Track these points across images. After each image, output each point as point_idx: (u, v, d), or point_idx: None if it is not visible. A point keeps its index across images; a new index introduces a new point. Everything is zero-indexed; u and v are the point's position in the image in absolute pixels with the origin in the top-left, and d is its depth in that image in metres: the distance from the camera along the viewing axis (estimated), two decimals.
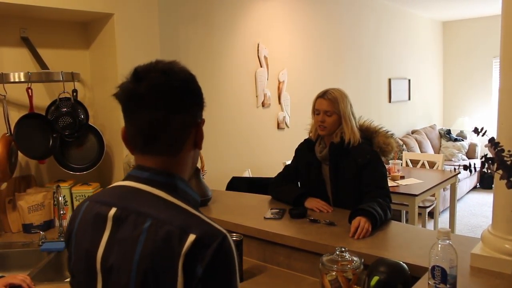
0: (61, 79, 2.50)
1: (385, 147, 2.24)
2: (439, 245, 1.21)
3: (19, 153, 2.50)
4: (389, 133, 2.32)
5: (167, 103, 0.99)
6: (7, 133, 2.40)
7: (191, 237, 0.88)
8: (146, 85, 1.00)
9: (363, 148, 2.22)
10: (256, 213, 2.22)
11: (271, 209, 2.26)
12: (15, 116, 2.47)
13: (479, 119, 7.91)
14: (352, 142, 2.20)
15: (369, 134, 2.30)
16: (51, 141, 2.55)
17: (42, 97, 2.66)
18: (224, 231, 0.95)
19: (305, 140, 2.46)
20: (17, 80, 2.38)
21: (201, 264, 0.88)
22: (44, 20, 2.67)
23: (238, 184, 3.12)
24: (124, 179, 1.04)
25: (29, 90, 2.46)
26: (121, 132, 1.06)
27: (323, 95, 2.26)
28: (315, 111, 2.29)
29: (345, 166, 2.23)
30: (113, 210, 0.97)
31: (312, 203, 2.24)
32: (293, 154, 2.53)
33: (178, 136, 1.01)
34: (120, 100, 1.04)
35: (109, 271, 0.95)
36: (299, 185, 2.46)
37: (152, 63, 1.07)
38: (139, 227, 0.92)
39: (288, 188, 2.37)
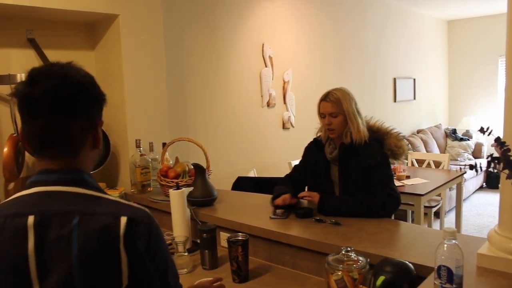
0: None
1: (396, 149, 2.24)
2: (445, 245, 1.21)
3: (26, 153, 2.52)
4: (401, 135, 2.31)
5: (63, 109, 1.00)
6: (14, 134, 2.42)
7: (123, 219, 0.97)
8: (41, 90, 0.99)
9: (374, 149, 2.22)
10: (261, 212, 2.22)
11: (276, 208, 2.26)
12: None
13: (485, 118, 7.88)
14: (357, 141, 2.20)
15: (380, 135, 2.30)
16: None
17: None
18: (143, 207, 1.05)
19: (314, 139, 2.46)
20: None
21: (140, 239, 0.98)
22: (50, 21, 2.69)
23: (243, 184, 3.12)
24: (28, 187, 1.02)
25: None
26: (19, 133, 1.07)
27: (325, 97, 2.25)
28: (321, 115, 2.29)
29: (355, 167, 2.22)
30: (31, 218, 0.96)
31: (277, 201, 2.23)
32: (298, 154, 2.53)
33: (75, 141, 1.04)
34: (16, 101, 1.03)
35: (47, 276, 0.95)
36: (302, 184, 2.44)
37: (48, 66, 1.05)
38: (68, 225, 0.95)
39: (278, 188, 2.35)
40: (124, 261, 0.97)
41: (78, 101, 1.03)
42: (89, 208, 0.98)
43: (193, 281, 1.63)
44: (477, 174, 6.79)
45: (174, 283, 1.09)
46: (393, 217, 2.23)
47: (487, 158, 1.25)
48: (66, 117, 1.01)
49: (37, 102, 0.99)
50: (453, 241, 1.20)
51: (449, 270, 1.19)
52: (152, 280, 1.01)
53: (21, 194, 1.02)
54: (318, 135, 2.42)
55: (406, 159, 5.09)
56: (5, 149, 2.35)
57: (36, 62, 2.62)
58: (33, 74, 1.02)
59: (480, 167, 1.27)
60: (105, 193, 1.06)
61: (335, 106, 2.21)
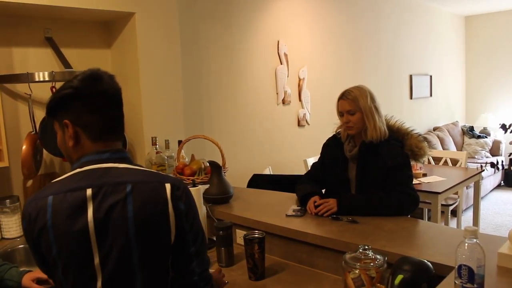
0: None
1: (417, 150, 2.23)
2: (466, 244, 1.19)
3: (44, 151, 2.55)
4: (421, 136, 2.30)
5: (121, 102, 1.28)
6: (33, 132, 2.44)
7: (168, 186, 1.19)
8: (110, 87, 1.24)
9: (395, 149, 2.20)
10: (277, 210, 2.22)
11: (292, 206, 2.25)
12: (40, 115, 2.52)
13: (503, 115, 7.75)
14: (375, 138, 2.19)
15: (400, 135, 2.28)
16: None
17: None
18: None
19: (333, 135, 2.45)
20: (41, 79, 2.42)
21: (181, 201, 1.20)
22: (67, 20, 2.71)
23: (259, 181, 3.12)
24: (82, 166, 1.19)
25: (53, 89, 2.49)
26: (70, 125, 1.21)
27: (343, 96, 2.25)
28: (339, 113, 2.29)
29: (374, 166, 2.20)
30: (89, 191, 1.14)
31: (308, 203, 2.21)
32: (314, 151, 2.52)
33: (123, 127, 1.30)
34: (82, 96, 1.21)
35: (104, 239, 1.12)
36: (321, 182, 2.43)
37: (95, 69, 1.26)
38: (122, 193, 1.14)
39: (302, 187, 2.35)
40: (172, 219, 1.17)
41: (121, 96, 1.28)
42: (138, 178, 1.18)
43: None
44: (497, 171, 6.68)
45: (203, 251, 1.28)
46: (409, 216, 2.20)
47: (509, 155, 1.23)
48: (121, 109, 1.27)
49: (111, 97, 1.24)
50: (474, 240, 1.18)
51: (470, 270, 1.17)
52: (186, 237, 1.21)
53: (76, 171, 1.19)
54: (338, 131, 2.41)
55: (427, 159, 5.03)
56: (24, 147, 2.38)
57: (53, 60, 2.65)
58: (97, 74, 1.23)
59: (502, 165, 1.25)
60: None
61: (352, 104, 2.20)
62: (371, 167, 2.21)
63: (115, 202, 1.13)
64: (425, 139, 2.31)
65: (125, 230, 1.12)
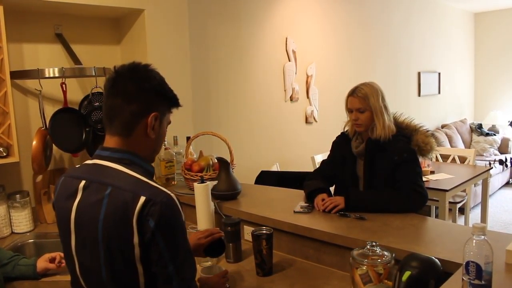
0: (94, 74, 2.55)
1: (423, 146, 2.19)
2: (474, 241, 1.19)
3: (54, 147, 2.57)
4: (429, 131, 2.27)
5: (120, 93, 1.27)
6: (43, 127, 2.47)
7: (142, 199, 1.14)
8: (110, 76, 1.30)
9: (401, 145, 2.19)
10: (285, 206, 2.22)
11: (300, 203, 2.26)
12: (50, 110, 2.54)
13: None
14: (382, 137, 2.18)
15: (409, 132, 2.26)
16: (84, 135, 2.61)
17: (76, 92, 2.73)
18: (169, 192, 1.19)
19: (342, 133, 2.44)
20: (51, 75, 2.44)
21: (152, 217, 1.13)
22: (77, 16, 2.73)
23: (266, 178, 3.13)
24: (92, 158, 1.30)
25: (63, 85, 2.52)
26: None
27: (353, 93, 2.23)
28: (348, 110, 2.27)
29: (381, 163, 2.20)
30: (82, 182, 1.24)
31: (316, 200, 2.21)
32: (321, 148, 2.52)
33: (130, 122, 1.26)
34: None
35: (79, 228, 1.22)
36: (331, 179, 2.43)
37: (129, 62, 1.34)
38: (102, 193, 1.18)
39: (310, 183, 2.35)
40: (135, 234, 1.13)
41: (122, 85, 1.29)
42: (119, 183, 1.18)
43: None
44: (503, 170, 6.64)
45: (182, 271, 1.19)
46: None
47: None
48: (119, 98, 1.26)
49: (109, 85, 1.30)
50: (482, 237, 1.18)
51: (478, 266, 1.17)
52: (162, 256, 1.15)
53: (85, 162, 1.31)
54: (345, 129, 2.40)
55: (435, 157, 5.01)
56: (34, 143, 2.40)
57: (63, 56, 2.67)
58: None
59: (511, 162, 1.24)
60: (149, 175, 1.25)
61: (362, 101, 2.19)
62: (378, 163, 2.21)
63: (96, 200, 1.19)
64: (433, 135, 2.29)
65: (95, 230, 1.17)
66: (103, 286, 1.22)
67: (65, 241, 1.28)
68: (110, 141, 1.28)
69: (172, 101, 1.34)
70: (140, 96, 1.26)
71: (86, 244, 1.22)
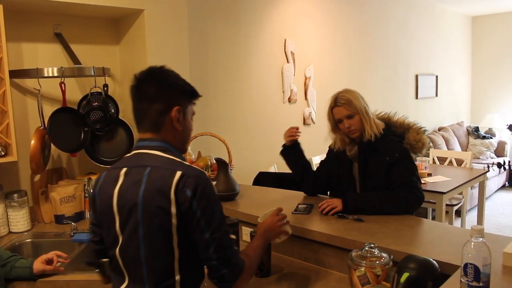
0: (93, 74, 2.55)
1: (415, 143, 2.19)
2: (472, 243, 1.20)
3: (52, 146, 2.57)
4: (422, 129, 2.27)
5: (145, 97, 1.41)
6: (41, 127, 2.46)
7: (178, 173, 1.29)
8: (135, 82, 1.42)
9: (392, 145, 2.19)
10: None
11: (299, 204, 2.26)
12: (48, 110, 2.54)
13: (509, 116, 7.71)
14: (373, 136, 2.18)
15: (402, 131, 2.27)
16: (82, 135, 2.61)
17: (74, 92, 2.72)
18: (202, 170, 1.36)
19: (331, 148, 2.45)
20: (50, 75, 2.44)
21: (189, 188, 1.27)
22: (77, 16, 2.73)
23: (264, 179, 3.13)
24: (132, 150, 1.42)
25: (62, 85, 2.52)
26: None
27: (336, 103, 2.23)
28: (337, 121, 2.25)
29: (374, 164, 2.20)
30: (124, 170, 1.36)
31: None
32: (319, 150, 2.53)
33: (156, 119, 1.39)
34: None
35: (122, 209, 1.32)
36: (324, 180, 2.44)
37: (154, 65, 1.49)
38: (142, 173, 1.32)
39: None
40: (173, 204, 1.26)
41: (144, 90, 1.42)
42: (157, 163, 1.33)
43: None
44: (499, 173, 6.66)
45: (219, 237, 1.32)
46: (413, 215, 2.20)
47: None
48: (145, 102, 1.40)
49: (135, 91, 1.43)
50: (481, 239, 1.19)
51: (476, 268, 1.18)
52: (199, 224, 1.29)
53: (127, 155, 1.44)
54: (335, 147, 2.36)
55: (428, 155, 5.02)
56: (32, 142, 2.40)
57: (62, 56, 2.67)
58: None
59: (509, 165, 1.25)
60: (182, 159, 1.39)
61: (349, 107, 2.19)
62: (372, 165, 2.21)
63: (136, 180, 1.31)
64: (426, 131, 2.29)
65: (135, 206, 1.29)
66: (140, 265, 1.32)
67: (109, 226, 1.37)
68: (144, 135, 1.41)
69: (190, 93, 1.47)
70: (161, 95, 1.38)
71: (127, 224, 1.32)
